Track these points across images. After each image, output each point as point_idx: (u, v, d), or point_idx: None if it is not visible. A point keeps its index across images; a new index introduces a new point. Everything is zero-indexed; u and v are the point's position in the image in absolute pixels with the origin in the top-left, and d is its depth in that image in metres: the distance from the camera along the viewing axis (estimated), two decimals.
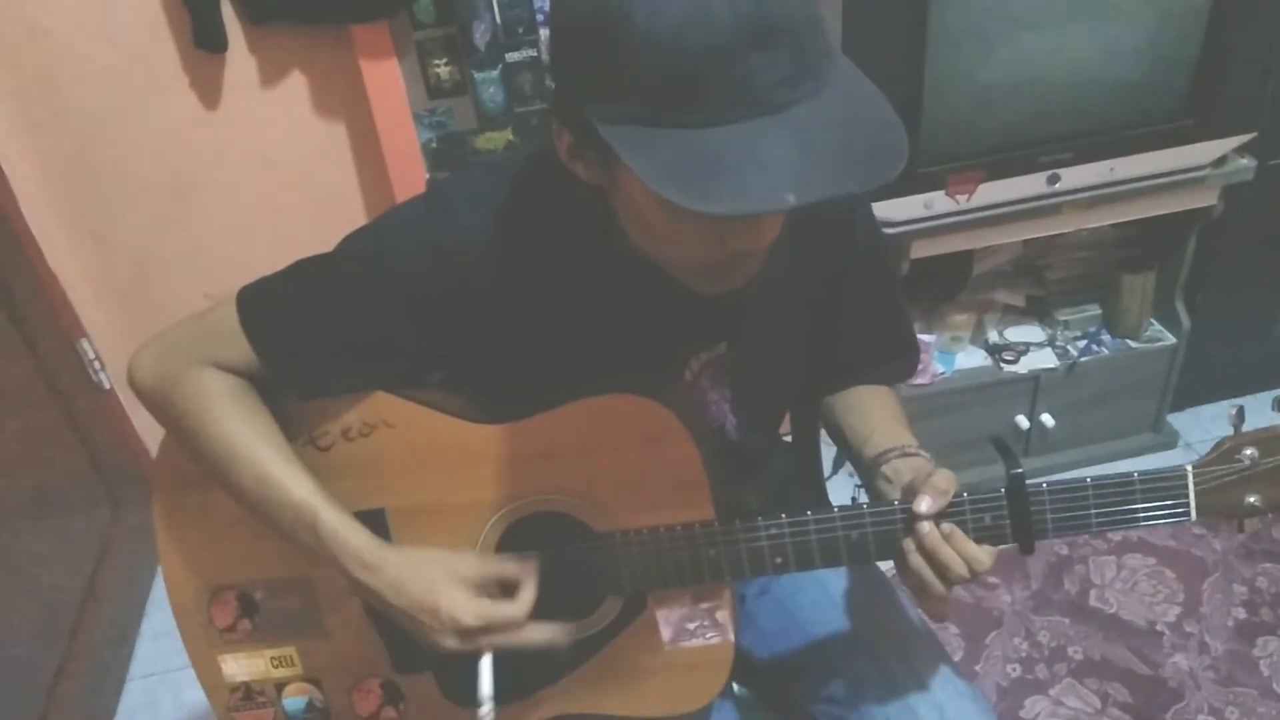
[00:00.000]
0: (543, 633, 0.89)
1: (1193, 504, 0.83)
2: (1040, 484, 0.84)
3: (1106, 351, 2.04)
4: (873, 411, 1.04)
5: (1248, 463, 0.82)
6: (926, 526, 0.84)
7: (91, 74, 1.78)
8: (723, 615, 0.95)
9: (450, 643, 0.88)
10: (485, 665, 0.90)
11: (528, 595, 0.89)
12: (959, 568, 0.83)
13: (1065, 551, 1.93)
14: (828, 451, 1.15)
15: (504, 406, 0.91)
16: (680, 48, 0.65)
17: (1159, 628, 1.78)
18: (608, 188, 0.79)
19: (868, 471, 0.97)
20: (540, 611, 0.89)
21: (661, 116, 0.68)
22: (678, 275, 0.83)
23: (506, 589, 0.90)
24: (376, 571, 0.88)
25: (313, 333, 0.89)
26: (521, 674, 0.94)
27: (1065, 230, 1.86)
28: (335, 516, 0.89)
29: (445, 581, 0.87)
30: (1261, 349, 2.16)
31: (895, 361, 1.10)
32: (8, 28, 1.72)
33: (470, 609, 0.86)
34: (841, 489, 1.18)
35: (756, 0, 0.65)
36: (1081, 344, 2.04)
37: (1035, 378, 2.02)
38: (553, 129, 0.78)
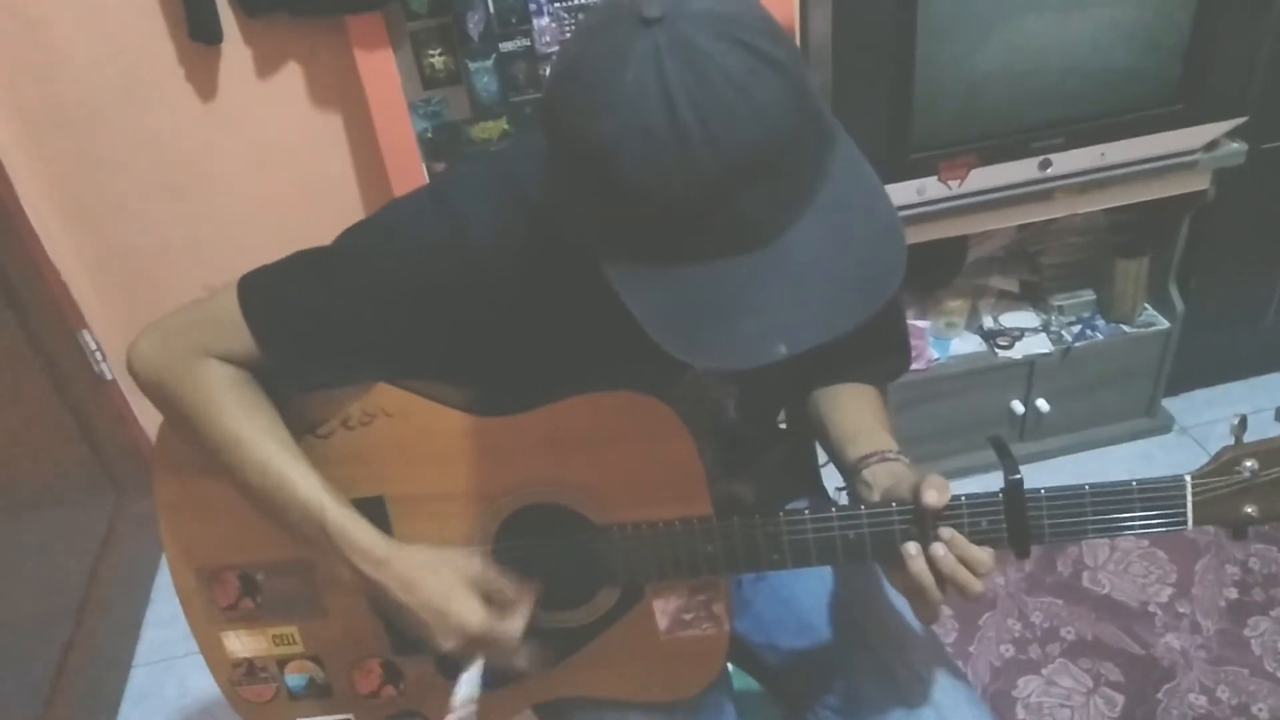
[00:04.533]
0: (526, 658, 0.92)
1: (1190, 514, 0.83)
2: (1039, 490, 0.84)
3: (1101, 336, 2.05)
4: (858, 412, 1.03)
5: (1248, 474, 0.81)
6: (942, 550, 0.82)
7: (88, 66, 1.79)
8: (719, 607, 0.96)
9: (449, 645, 0.89)
10: (476, 670, 0.92)
11: (524, 615, 0.90)
12: (963, 576, 0.82)
13: None
14: None
15: (505, 400, 0.92)
16: (665, 194, 0.65)
17: (1151, 608, 1.79)
18: None
19: (848, 472, 0.97)
20: (538, 599, 0.91)
21: (654, 255, 0.69)
22: None
23: (502, 604, 0.91)
24: (384, 568, 0.89)
25: (314, 326, 0.90)
26: None
27: (1058, 215, 1.87)
28: (342, 514, 0.89)
29: (458, 586, 0.89)
30: (1255, 333, 2.16)
31: (887, 359, 1.10)
32: (2, 20, 1.73)
33: (478, 618, 0.88)
34: (836, 478, 1.19)
35: (739, 138, 0.64)
36: (1076, 329, 2.05)
37: (1030, 363, 2.03)
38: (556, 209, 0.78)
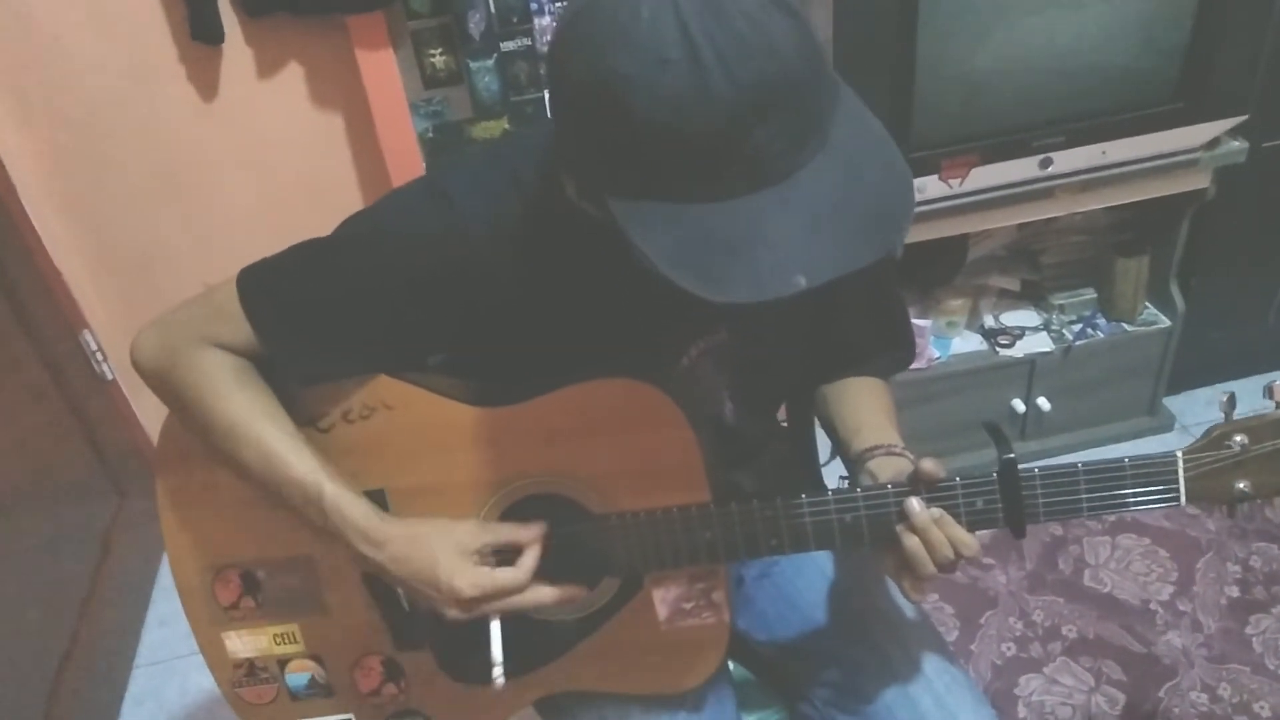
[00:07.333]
0: (547, 594, 0.91)
1: (1182, 489, 0.84)
2: (1032, 468, 0.85)
3: (1102, 335, 2.05)
4: (864, 405, 1.04)
5: (1238, 449, 0.82)
6: (917, 506, 0.84)
7: (90, 67, 1.79)
8: (718, 595, 0.96)
9: (453, 612, 0.89)
10: (494, 631, 0.92)
11: (530, 560, 0.90)
12: (946, 550, 0.84)
13: (1060, 532, 1.95)
14: (824, 437, 1.16)
15: (503, 390, 0.92)
16: (682, 129, 0.65)
17: (1152, 606, 1.79)
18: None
19: (852, 465, 0.98)
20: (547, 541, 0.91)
21: (668, 192, 0.69)
22: None
23: (509, 555, 0.91)
24: (379, 546, 0.90)
25: (313, 316, 0.90)
26: (519, 652, 0.96)
27: (1058, 214, 1.87)
28: (338, 492, 0.90)
29: (445, 553, 0.89)
30: (1256, 331, 2.17)
31: (892, 353, 1.10)
32: (5, 20, 1.73)
33: (468, 580, 0.88)
34: (837, 475, 1.19)
35: (755, 71, 0.65)
36: (1077, 328, 2.05)
37: (1031, 361, 2.03)
38: (558, 171, 0.78)
